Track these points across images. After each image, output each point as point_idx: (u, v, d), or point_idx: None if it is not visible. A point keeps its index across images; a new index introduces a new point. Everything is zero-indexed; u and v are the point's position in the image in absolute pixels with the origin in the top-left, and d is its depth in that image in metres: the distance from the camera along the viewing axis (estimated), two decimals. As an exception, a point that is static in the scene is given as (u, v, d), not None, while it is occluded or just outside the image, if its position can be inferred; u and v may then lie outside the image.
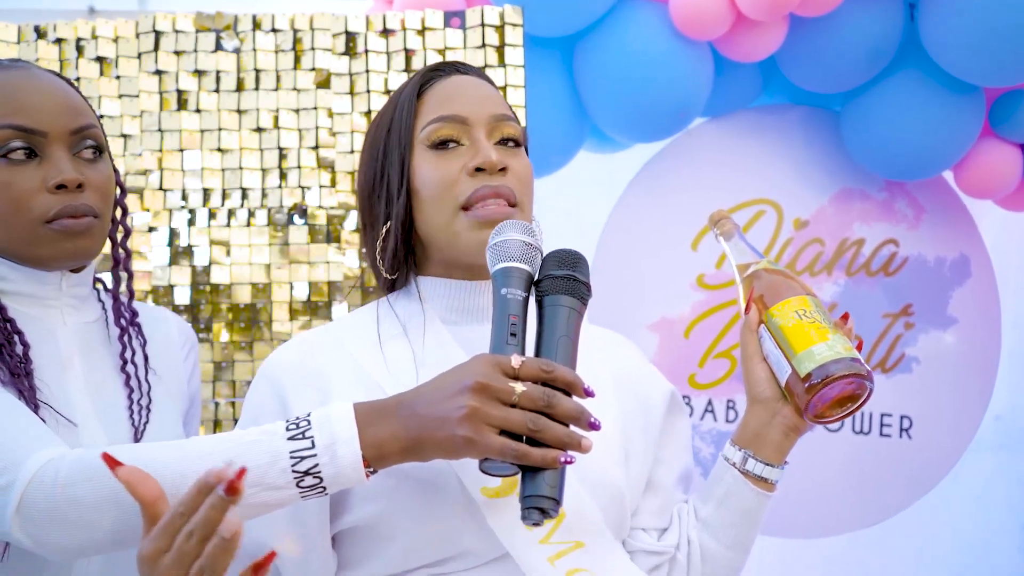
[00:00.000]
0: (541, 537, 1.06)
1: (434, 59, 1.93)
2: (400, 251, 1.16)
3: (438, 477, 1.06)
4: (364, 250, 1.25)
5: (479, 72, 1.23)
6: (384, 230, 1.17)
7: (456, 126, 1.15)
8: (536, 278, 1.05)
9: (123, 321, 1.29)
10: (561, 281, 1.02)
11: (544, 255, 1.07)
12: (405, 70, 1.92)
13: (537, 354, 1.01)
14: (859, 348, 1.17)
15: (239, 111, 1.91)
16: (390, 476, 1.04)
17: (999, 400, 2.71)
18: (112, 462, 0.89)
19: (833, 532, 2.75)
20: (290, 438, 0.96)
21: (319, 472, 0.96)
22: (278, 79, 1.91)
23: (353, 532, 1.09)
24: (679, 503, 1.26)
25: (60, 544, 0.98)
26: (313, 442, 0.95)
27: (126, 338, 1.28)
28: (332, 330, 1.20)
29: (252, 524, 1.04)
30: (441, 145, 1.15)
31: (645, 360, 1.29)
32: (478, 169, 1.13)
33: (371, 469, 0.98)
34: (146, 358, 1.30)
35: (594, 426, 0.96)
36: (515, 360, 0.96)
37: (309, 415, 0.98)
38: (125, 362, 1.26)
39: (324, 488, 0.97)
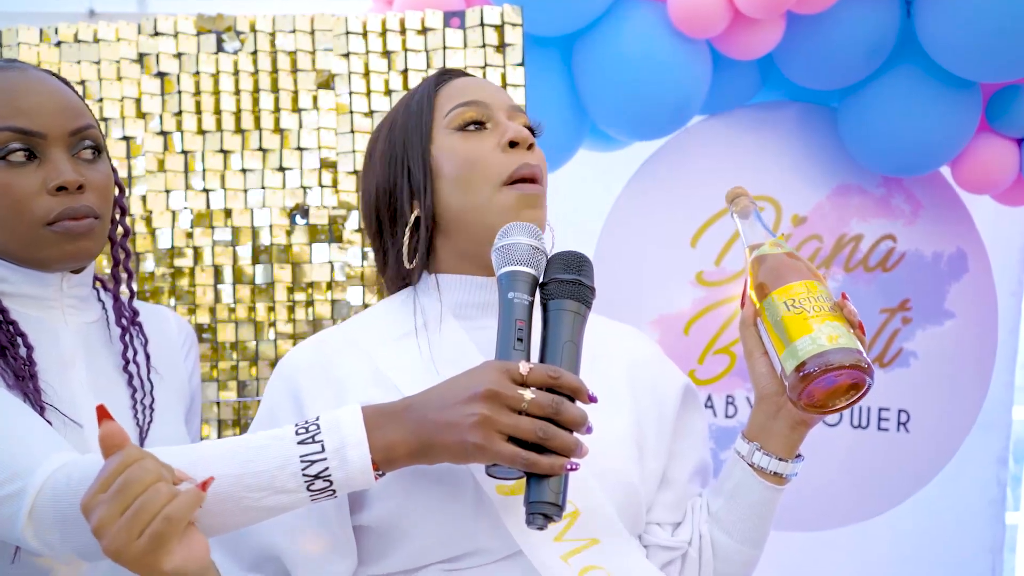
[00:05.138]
0: (555, 535, 1.06)
1: (435, 59, 1.94)
2: (425, 243, 1.16)
3: (453, 476, 1.06)
4: (378, 253, 1.24)
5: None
6: (412, 219, 1.17)
7: (481, 109, 1.17)
8: (541, 280, 1.05)
9: (124, 321, 1.28)
10: (567, 286, 1.03)
11: (549, 256, 1.07)
12: (405, 70, 1.93)
13: (542, 359, 1.01)
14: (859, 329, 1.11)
15: (240, 112, 1.91)
16: (405, 475, 1.04)
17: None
18: (103, 412, 0.92)
19: (831, 525, 2.76)
20: (300, 442, 0.97)
21: (329, 476, 0.96)
22: (278, 80, 1.91)
23: (369, 529, 1.09)
24: (693, 497, 1.25)
25: (71, 549, 0.99)
26: (323, 446, 0.96)
27: (127, 338, 1.27)
28: (347, 329, 1.20)
29: (271, 526, 1.06)
30: (468, 127, 1.17)
31: (660, 353, 1.28)
32: (511, 144, 1.15)
33: (380, 472, 0.99)
34: (147, 357, 1.30)
35: (589, 429, 0.98)
36: (523, 367, 0.97)
37: (318, 418, 0.98)
38: (127, 362, 1.26)
39: (334, 491, 0.98)
